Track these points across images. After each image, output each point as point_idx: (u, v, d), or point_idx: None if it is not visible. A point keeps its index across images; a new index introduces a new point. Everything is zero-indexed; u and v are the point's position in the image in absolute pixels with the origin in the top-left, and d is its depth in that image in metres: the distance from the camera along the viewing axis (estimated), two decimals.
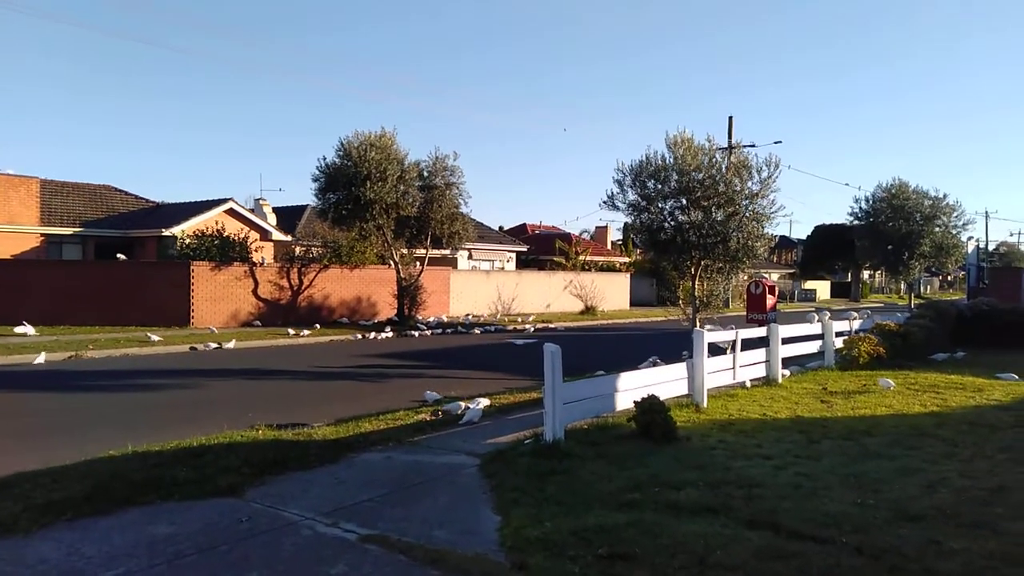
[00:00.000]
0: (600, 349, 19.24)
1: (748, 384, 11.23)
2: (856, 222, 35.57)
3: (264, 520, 5.18)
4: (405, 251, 26.47)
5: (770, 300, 15.89)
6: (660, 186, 15.40)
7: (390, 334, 22.67)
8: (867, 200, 34.23)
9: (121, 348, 17.03)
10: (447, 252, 30.14)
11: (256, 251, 25.63)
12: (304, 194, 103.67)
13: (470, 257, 38.23)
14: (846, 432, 8.00)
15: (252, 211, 30.71)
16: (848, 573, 4.16)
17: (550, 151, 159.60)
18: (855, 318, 15.88)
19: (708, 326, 14.68)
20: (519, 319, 29.25)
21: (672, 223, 15.41)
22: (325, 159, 23.56)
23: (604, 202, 16.15)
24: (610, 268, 44.88)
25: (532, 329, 25.59)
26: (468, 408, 9.14)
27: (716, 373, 10.27)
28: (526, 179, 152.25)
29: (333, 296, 26.44)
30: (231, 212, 28.67)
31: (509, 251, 41.98)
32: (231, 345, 18.48)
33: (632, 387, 8.40)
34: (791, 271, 65.21)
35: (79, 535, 4.85)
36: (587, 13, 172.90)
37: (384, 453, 7.23)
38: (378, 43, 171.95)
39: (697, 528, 4.81)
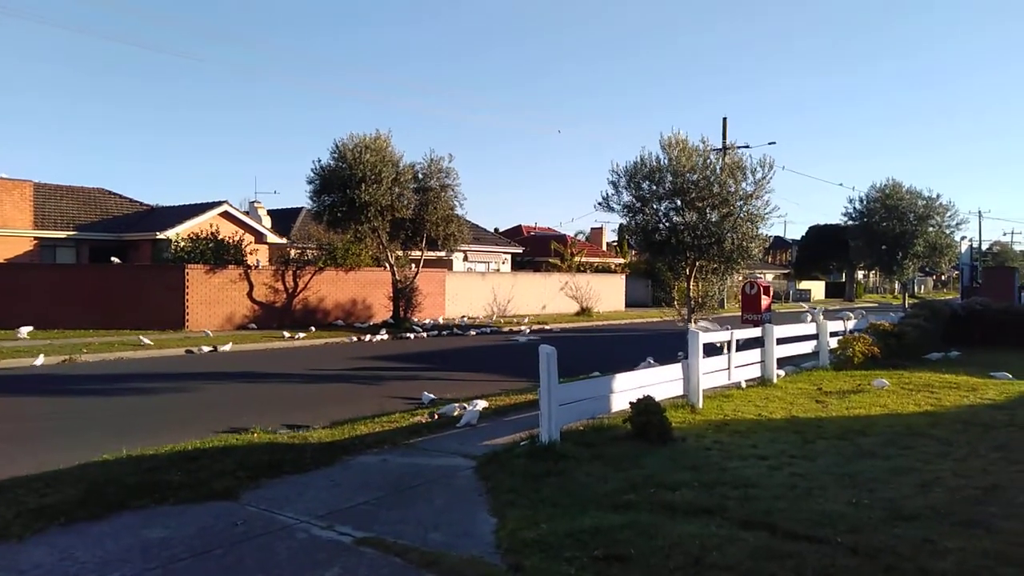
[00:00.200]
0: (595, 350, 19.24)
1: (743, 384, 11.25)
2: (850, 222, 35.74)
3: (259, 523, 5.17)
4: (400, 253, 26.45)
5: (765, 300, 15.92)
6: (655, 187, 15.45)
7: (385, 336, 22.65)
8: (861, 200, 34.44)
9: (115, 352, 16.97)
10: (442, 254, 30.15)
11: (251, 254, 25.57)
12: (299, 197, 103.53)
13: (466, 259, 38.22)
14: (841, 432, 8.02)
15: (247, 214, 30.64)
16: (843, 573, 4.16)
17: (545, 153, 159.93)
18: (849, 318, 15.93)
19: (702, 323, 14.69)
20: (515, 321, 29.25)
21: (667, 224, 15.46)
22: (320, 161, 23.59)
23: (599, 203, 16.22)
24: (605, 269, 44.94)
25: (528, 331, 25.60)
26: (464, 410, 9.14)
27: (711, 374, 10.29)
28: (521, 181, 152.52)
29: (328, 299, 26.39)
30: (226, 215, 28.60)
31: (504, 253, 41.99)
32: (227, 348, 18.43)
33: (628, 388, 8.41)
34: (786, 271, 65.42)
35: (73, 540, 4.83)
36: (582, 15, 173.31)
37: (380, 456, 7.22)
38: (373, 46, 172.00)
39: (692, 529, 4.82)
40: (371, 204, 22.69)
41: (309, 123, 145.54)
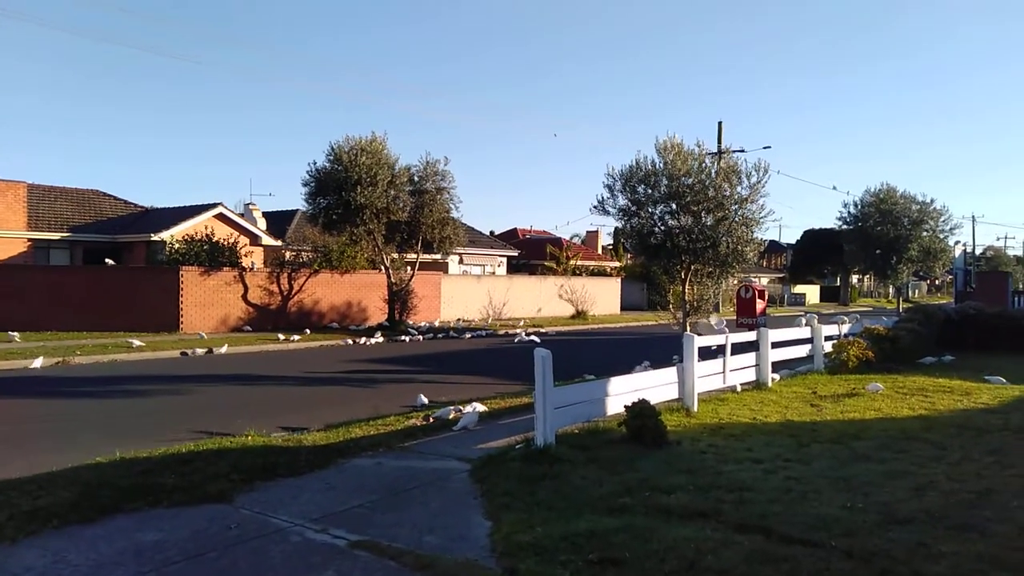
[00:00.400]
0: (591, 353, 19.24)
1: (739, 388, 11.26)
2: (845, 227, 35.83)
3: (253, 527, 5.15)
4: (396, 256, 26.43)
5: (760, 304, 15.97)
6: (650, 191, 15.43)
7: (380, 339, 22.61)
8: (855, 205, 34.52)
9: (109, 354, 16.90)
10: (438, 257, 30.12)
11: (246, 256, 25.50)
12: (294, 199, 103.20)
13: (461, 262, 38.20)
14: (835, 436, 8.03)
15: (242, 216, 30.57)
16: None
17: (541, 156, 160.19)
18: (844, 322, 15.96)
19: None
20: (510, 324, 29.23)
21: (662, 228, 15.45)
22: (315, 164, 23.56)
23: (594, 207, 16.18)
24: (601, 272, 44.96)
25: (523, 334, 25.59)
26: (460, 413, 9.13)
27: (706, 377, 10.30)
28: (517, 184, 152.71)
29: (323, 301, 26.34)
30: (221, 217, 28.53)
31: (500, 256, 41.98)
32: (221, 350, 18.38)
33: (623, 391, 8.41)
34: (781, 275, 65.57)
35: (65, 543, 4.81)
36: (578, 18, 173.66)
37: (375, 459, 7.20)
38: (370, 49, 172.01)
39: (687, 533, 4.82)
40: (367, 206, 22.67)
41: (305, 125, 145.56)
